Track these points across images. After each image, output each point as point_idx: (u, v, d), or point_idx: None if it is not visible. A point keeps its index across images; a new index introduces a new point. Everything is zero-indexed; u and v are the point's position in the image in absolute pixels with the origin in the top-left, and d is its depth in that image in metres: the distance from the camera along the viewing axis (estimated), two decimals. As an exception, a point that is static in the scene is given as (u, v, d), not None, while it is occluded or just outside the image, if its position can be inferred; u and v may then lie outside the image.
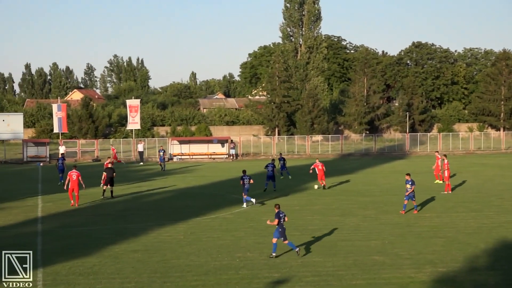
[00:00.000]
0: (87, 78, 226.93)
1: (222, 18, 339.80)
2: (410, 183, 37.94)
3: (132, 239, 30.70)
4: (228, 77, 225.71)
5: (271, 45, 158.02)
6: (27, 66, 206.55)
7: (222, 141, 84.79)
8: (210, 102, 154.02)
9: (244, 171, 42.84)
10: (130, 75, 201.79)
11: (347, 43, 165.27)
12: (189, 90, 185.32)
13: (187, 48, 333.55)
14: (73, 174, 41.65)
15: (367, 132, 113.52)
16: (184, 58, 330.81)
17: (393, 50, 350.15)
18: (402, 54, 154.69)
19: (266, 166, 49.84)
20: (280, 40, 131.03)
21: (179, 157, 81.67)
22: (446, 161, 48.77)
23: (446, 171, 48.11)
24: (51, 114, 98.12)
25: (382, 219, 36.33)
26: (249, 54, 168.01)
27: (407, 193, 38.10)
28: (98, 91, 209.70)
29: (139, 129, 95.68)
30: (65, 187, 43.61)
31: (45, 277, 24.07)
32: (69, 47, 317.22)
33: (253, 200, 41.97)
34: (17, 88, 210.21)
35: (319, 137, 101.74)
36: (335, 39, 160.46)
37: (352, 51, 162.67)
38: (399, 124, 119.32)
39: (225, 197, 46.25)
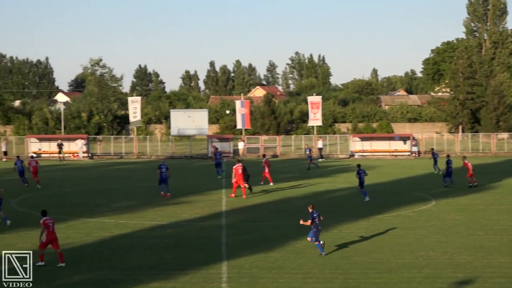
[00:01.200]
0: (269, 75, 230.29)
1: (404, 14, 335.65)
2: None
3: (314, 235, 30.79)
4: (410, 74, 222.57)
5: (455, 41, 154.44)
6: (212, 64, 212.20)
7: (404, 138, 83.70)
8: (392, 99, 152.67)
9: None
10: (311, 72, 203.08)
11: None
12: (370, 86, 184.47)
13: (368, 45, 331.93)
14: (239, 168, 43.04)
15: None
16: (365, 55, 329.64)
17: None
18: None
19: (447, 163, 49.02)
20: (463, 36, 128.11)
21: (361, 154, 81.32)
22: None
23: None
24: (234, 111, 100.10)
25: None
26: (432, 50, 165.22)
27: None
28: (280, 87, 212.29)
29: (320, 126, 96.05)
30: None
31: (230, 270, 24.54)
32: (251, 45, 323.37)
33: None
34: (202, 85, 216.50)
35: (505, 135, 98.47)
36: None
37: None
38: None
39: (408, 194, 45.65)
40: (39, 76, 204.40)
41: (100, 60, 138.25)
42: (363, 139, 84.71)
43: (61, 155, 77.78)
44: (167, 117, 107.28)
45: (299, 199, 43.62)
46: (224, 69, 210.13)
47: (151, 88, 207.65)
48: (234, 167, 43.89)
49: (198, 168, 67.61)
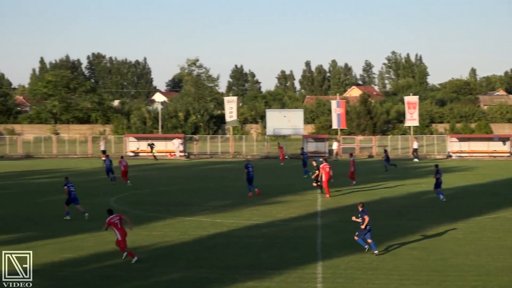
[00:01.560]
0: (365, 75, 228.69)
1: (504, 12, 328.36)
2: None
3: (410, 236, 30.46)
4: (510, 73, 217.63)
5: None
6: (307, 64, 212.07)
7: (503, 139, 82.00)
8: (491, 99, 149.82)
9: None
10: (408, 72, 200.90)
11: None
12: (468, 86, 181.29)
13: (466, 44, 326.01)
14: (326, 167, 43.67)
15: None
16: (463, 54, 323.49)
17: None
18: None
19: None
20: None
21: (458, 154, 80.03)
22: None
23: None
24: (330, 110, 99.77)
25: None
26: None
27: None
28: (376, 87, 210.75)
29: (417, 126, 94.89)
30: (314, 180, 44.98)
31: (325, 270, 24.50)
32: (347, 45, 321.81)
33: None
34: (297, 85, 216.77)
35: None
36: None
37: None
38: None
39: (507, 196, 44.71)
40: (137, 76, 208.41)
41: (197, 60, 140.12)
42: (461, 139, 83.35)
43: (153, 153, 79.07)
44: (262, 117, 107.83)
45: (396, 199, 43.27)
46: (319, 69, 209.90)
47: (247, 88, 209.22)
48: (321, 166, 44.12)
49: (293, 168, 67.56)
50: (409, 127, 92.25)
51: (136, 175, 57.19)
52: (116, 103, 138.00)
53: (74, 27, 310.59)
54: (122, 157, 55.64)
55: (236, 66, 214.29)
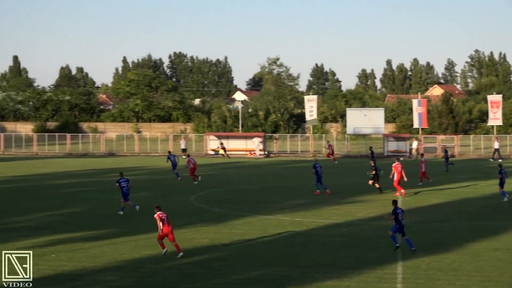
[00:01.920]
0: (447, 73, 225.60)
1: None
2: None
3: (493, 237, 29.97)
4: None
5: None
6: (388, 62, 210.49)
7: None
8: None
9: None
10: (491, 70, 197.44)
11: None
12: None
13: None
14: (398, 166, 43.77)
15: None
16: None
17: None
18: None
19: None
20: None
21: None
22: None
23: None
24: (411, 109, 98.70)
25: None
26: None
27: None
28: (458, 86, 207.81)
29: (500, 125, 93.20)
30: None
31: (405, 271, 24.29)
32: (429, 43, 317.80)
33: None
34: (378, 84, 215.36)
35: None
36: None
37: None
38: None
39: None
40: (218, 75, 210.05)
41: (278, 59, 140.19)
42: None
43: (224, 153, 79.45)
44: (343, 116, 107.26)
45: (476, 200, 42.60)
46: (401, 67, 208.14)
47: (327, 86, 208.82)
48: (393, 165, 44.02)
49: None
50: (492, 126, 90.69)
51: (216, 173, 57.54)
52: (197, 101, 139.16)
53: (156, 27, 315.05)
54: (188, 155, 56.05)
55: (316, 65, 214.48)
